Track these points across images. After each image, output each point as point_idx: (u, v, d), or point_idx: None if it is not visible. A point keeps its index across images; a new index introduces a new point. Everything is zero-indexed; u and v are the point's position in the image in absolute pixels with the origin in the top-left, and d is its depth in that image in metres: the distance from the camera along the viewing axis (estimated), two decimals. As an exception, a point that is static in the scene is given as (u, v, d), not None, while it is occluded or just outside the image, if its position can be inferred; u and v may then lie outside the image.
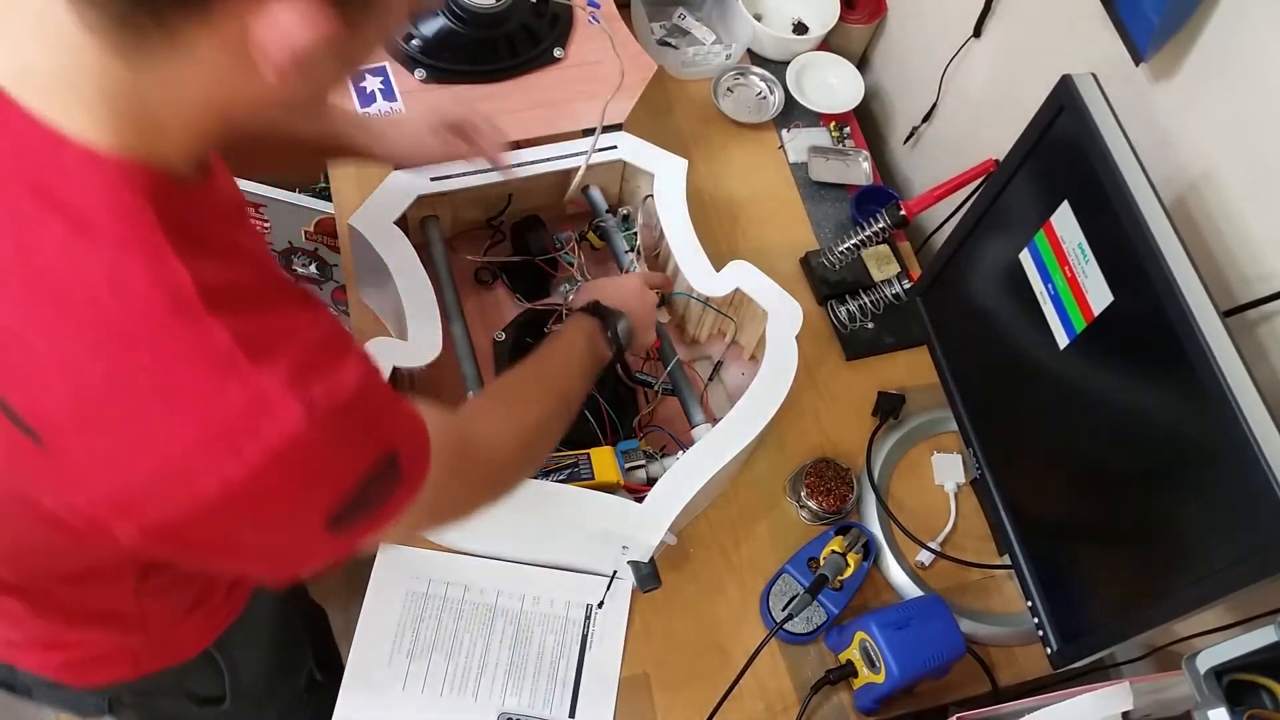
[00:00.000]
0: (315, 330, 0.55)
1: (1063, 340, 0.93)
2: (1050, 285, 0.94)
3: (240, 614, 0.92)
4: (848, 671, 1.03)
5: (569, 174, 1.17)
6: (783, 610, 1.07)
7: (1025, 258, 0.97)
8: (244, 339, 0.50)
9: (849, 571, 1.09)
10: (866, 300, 1.29)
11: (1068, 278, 0.91)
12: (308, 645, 1.12)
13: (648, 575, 1.00)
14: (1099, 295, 0.87)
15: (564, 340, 0.95)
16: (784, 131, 1.47)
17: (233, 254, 0.54)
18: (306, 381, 0.51)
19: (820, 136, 1.47)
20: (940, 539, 1.17)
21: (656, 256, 1.24)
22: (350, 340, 0.57)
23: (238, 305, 0.51)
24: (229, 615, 0.91)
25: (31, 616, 0.74)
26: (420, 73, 1.21)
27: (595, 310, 1.00)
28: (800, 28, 1.55)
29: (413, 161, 1.11)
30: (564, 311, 1.16)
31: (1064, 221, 0.91)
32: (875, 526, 1.16)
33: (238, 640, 0.94)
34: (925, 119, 1.43)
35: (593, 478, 1.00)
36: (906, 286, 1.28)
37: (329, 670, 1.18)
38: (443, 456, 0.64)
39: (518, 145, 1.18)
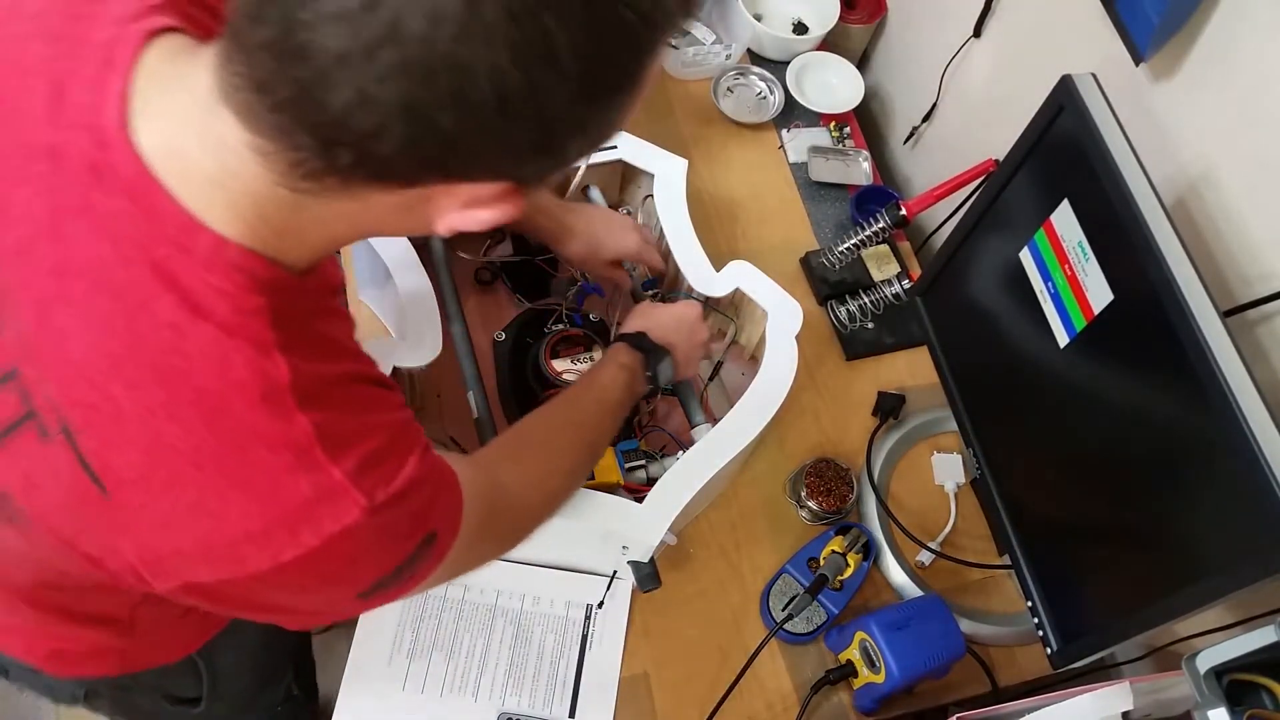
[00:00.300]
0: (388, 428, 0.57)
1: (1063, 339, 0.93)
2: (1050, 284, 0.94)
3: (229, 623, 0.92)
4: (848, 671, 1.03)
5: (569, 174, 1.17)
6: (783, 610, 1.07)
7: (1025, 256, 0.97)
8: (324, 433, 0.52)
9: (849, 571, 1.09)
10: (866, 300, 1.29)
11: (1068, 276, 0.91)
12: (289, 660, 1.12)
13: (648, 575, 1.00)
14: (1099, 294, 0.87)
15: (605, 382, 0.93)
16: (784, 131, 1.47)
17: (328, 348, 0.57)
18: (371, 476, 0.54)
19: (820, 136, 1.47)
20: (940, 539, 1.17)
21: (656, 256, 1.24)
22: (416, 436, 0.59)
23: (325, 401, 0.53)
24: (218, 624, 0.91)
25: (28, 608, 0.75)
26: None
27: (640, 344, 0.97)
28: (800, 27, 1.55)
29: (577, 267, 1.14)
30: (563, 311, 1.16)
31: (1064, 220, 0.91)
32: (875, 526, 1.16)
33: (223, 647, 0.93)
34: (925, 119, 1.43)
35: (593, 478, 1.00)
36: (906, 286, 1.28)
37: (305, 687, 1.18)
38: (472, 518, 0.65)
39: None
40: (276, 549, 0.52)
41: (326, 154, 0.47)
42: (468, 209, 0.52)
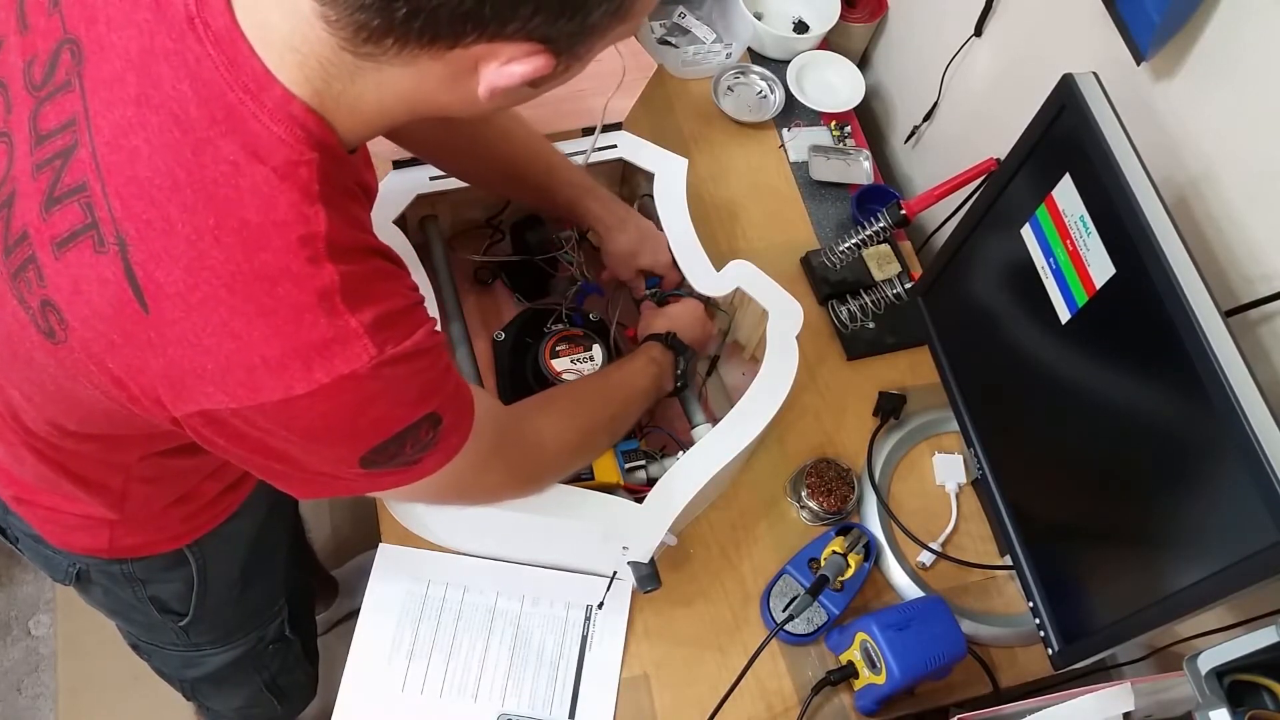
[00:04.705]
0: (403, 298, 0.63)
1: (1064, 315, 0.92)
2: (1052, 259, 0.93)
3: (220, 526, 0.95)
4: (849, 672, 1.03)
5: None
6: (783, 611, 1.07)
7: (1026, 232, 0.97)
8: (346, 286, 0.58)
9: (850, 572, 1.08)
10: (867, 300, 1.29)
11: (1069, 251, 0.91)
12: (283, 594, 1.13)
13: (648, 576, 1.00)
14: (1101, 268, 0.87)
15: (635, 368, 1.00)
16: (784, 130, 1.47)
17: (356, 224, 0.62)
18: (384, 332, 0.59)
19: (821, 135, 1.47)
20: (941, 540, 1.17)
21: (657, 256, 1.23)
22: (427, 317, 0.65)
23: (351, 261, 0.59)
24: (209, 522, 0.94)
25: (32, 457, 0.79)
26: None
27: (673, 344, 1.04)
28: (801, 26, 1.54)
29: (612, 261, 1.16)
30: (563, 311, 1.15)
31: (1065, 194, 0.90)
32: (876, 527, 1.16)
33: (215, 553, 0.96)
34: (926, 118, 1.43)
35: (593, 478, 1.00)
36: (908, 286, 1.28)
37: (302, 637, 1.19)
38: (484, 436, 0.72)
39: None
40: (289, 380, 0.57)
41: (385, 10, 0.52)
42: (504, 67, 0.57)
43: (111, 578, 0.94)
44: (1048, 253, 0.94)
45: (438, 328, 0.65)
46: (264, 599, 1.10)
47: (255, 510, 0.99)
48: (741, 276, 1.11)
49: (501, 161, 1.04)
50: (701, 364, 1.22)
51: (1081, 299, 0.90)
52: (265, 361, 0.56)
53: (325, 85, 0.57)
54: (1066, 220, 0.91)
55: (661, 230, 1.14)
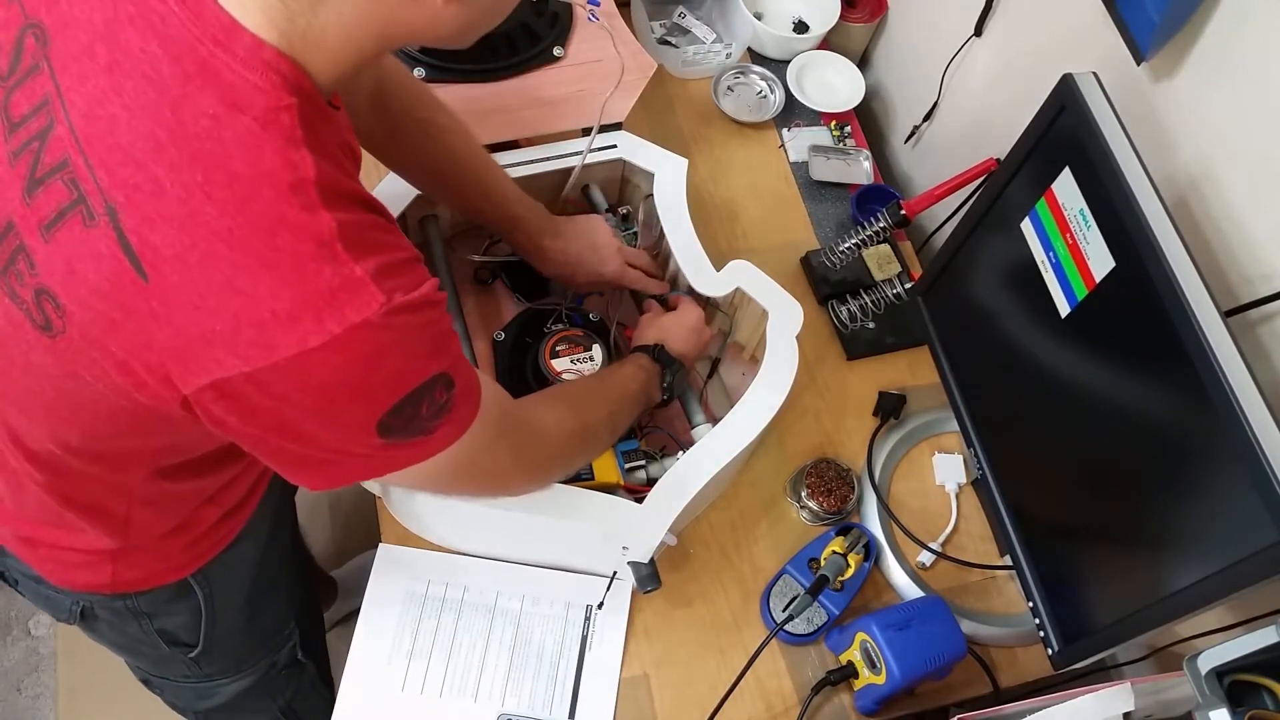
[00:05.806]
0: (403, 253, 0.62)
1: (1064, 309, 0.92)
2: (1051, 253, 0.93)
3: (223, 553, 0.94)
4: (848, 672, 1.03)
5: (569, 173, 1.17)
6: (783, 611, 1.07)
7: (1026, 226, 0.97)
8: (345, 233, 0.57)
9: (850, 572, 1.08)
10: (867, 300, 1.29)
11: (1069, 245, 0.91)
12: (292, 616, 1.12)
13: (648, 576, 1.00)
14: (1101, 261, 0.87)
15: (625, 374, 1.00)
16: (784, 130, 1.47)
17: (347, 174, 0.61)
18: (391, 280, 0.58)
19: (821, 135, 1.47)
20: (941, 540, 1.17)
21: (656, 256, 1.23)
22: (429, 274, 0.63)
23: (344, 209, 0.58)
24: (211, 549, 0.92)
25: (38, 490, 0.77)
26: (420, 71, 1.21)
27: (659, 356, 1.04)
28: (801, 26, 1.54)
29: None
30: (563, 311, 1.15)
31: (1065, 188, 0.90)
32: (876, 527, 1.16)
33: (219, 581, 0.95)
34: (926, 118, 1.43)
35: (592, 478, 1.00)
36: (908, 286, 1.28)
37: (315, 660, 1.18)
38: (492, 417, 0.72)
39: (516, 145, 1.18)
40: (302, 333, 0.55)
41: None
42: None
43: (116, 613, 0.92)
44: (1047, 246, 0.94)
45: (438, 280, 0.65)
46: (274, 623, 1.09)
47: (257, 535, 0.98)
48: (741, 276, 1.11)
49: (440, 176, 1.03)
50: (702, 364, 1.22)
51: (1081, 292, 0.90)
52: (275, 316, 0.55)
53: (290, 24, 0.57)
54: (1066, 214, 0.91)
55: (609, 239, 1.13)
